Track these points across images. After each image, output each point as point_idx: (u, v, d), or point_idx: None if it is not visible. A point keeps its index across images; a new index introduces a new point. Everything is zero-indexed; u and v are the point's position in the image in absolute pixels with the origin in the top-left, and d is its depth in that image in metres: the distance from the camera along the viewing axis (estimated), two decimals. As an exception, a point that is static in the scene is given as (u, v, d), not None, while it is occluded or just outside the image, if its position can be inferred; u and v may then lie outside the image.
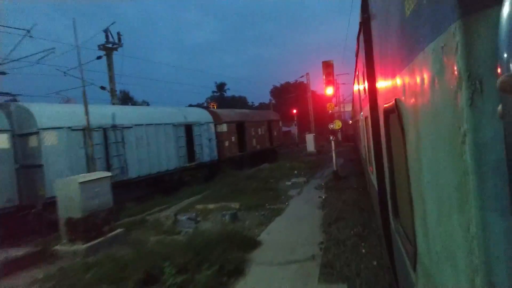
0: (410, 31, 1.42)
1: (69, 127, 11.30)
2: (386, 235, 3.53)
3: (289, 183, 14.71)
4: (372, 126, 3.85)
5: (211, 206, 11.17)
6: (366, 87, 4.18)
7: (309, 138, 28.39)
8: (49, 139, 10.66)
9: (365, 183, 11.24)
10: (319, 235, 7.48)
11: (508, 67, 0.57)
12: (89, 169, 11.25)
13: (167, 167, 15.33)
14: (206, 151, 18.40)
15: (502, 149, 0.79)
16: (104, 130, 12.38)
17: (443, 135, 1.09)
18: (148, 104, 46.51)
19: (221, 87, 78.51)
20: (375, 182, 4.52)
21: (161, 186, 15.31)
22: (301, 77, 35.24)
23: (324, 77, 13.33)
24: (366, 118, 5.80)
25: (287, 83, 66.18)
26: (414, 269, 1.81)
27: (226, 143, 20.38)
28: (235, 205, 11.03)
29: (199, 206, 11.28)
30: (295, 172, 17.51)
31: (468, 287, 0.94)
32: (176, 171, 15.94)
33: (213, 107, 32.46)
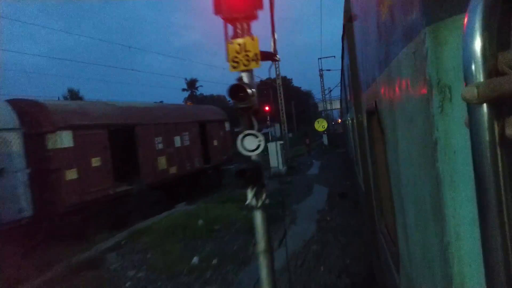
0: (386, 35, 1.42)
1: None
2: (373, 235, 3.42)
3: None
4: (357, 126, 3.98)
5: None
6: (351, 86, 4.26)
7: (272, 148, 16.12)
8: None
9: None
10: None
11: (472, 77, 0.55)
12: None
13: None
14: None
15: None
16: None
17: (417, 141, 1.07)
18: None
19: (192, 84, 68.66)
20: (361, 181, 4.64)
21: None
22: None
23: None
24: (352, 118, 5.76)
25: (269, 79, 56.52)
26: (398, 271, 1.77)
27: (71, 174, 9.25)
28: None
29: None
30: (197, 258, 6.53)
31: None
32: None
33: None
